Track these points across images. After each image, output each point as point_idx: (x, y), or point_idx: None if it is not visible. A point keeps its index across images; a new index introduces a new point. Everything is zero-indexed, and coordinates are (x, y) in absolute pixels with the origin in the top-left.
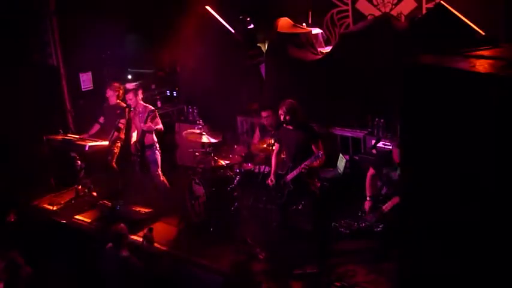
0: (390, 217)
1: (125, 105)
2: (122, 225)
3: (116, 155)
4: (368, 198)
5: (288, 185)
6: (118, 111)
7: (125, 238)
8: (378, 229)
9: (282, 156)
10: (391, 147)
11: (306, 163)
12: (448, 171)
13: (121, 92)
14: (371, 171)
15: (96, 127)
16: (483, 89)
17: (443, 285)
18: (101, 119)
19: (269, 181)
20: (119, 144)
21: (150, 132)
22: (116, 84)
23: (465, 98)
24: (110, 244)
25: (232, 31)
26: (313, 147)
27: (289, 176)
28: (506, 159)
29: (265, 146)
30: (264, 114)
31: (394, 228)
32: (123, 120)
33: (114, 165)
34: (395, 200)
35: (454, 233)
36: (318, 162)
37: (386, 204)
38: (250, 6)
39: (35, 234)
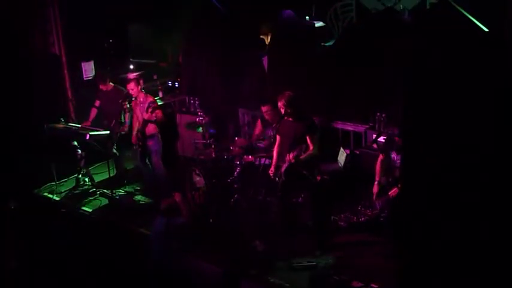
0: (396, 204)
1: (121, 88)
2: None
3: (114, 142)
4: (376, 182)
5: (281, 176)
6: (113, 95)
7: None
8: (382, 216)
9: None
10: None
11: (290, 157)
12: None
13: (107, 77)
14: (380, 156)
15: (94, 111)
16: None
17: (441, 277)
18: (97, 103)
19: (270, 172)
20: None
21: (152, 122)
22: (100, 74)
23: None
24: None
25: (236, 22)
26: (308, 139)
27: (283, 168)
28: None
29: (264, 138)
30: (263, 109)
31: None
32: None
33: (115, 151)
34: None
35: (457, 219)
36: (307, 153)
37: (393, 190)
38: None
39: (35, 222)
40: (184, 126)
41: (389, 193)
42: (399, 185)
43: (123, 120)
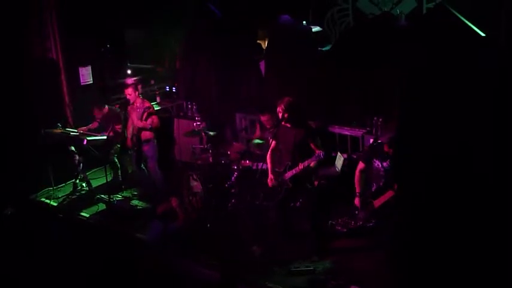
0: (382, 213)
1: (115, 109)
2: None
3: (116, 150)
4: (357, 194)
5: (287, 183)
6: (112, 117)
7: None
8: (370, 224)
9: (278, 153)
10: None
11: (305, 164)
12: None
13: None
14: (360, 165)
15: (95, 124)
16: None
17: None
18: (95, 124)
19: (269, 181)
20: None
21: (146, 130)
22: (100, 106)
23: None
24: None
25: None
26: (312, 145)
27: (288, 175)
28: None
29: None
30: (263, 118)
31: (386, 223)
32: (119, 126)
33: (116, 159)
34: (388, 194)
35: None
36: (317, 161)
37: (377, 200)
38: (251, 3)
39: (32, 228)
40: (184, 135)
41: (375, 202)
42: (395, 188)
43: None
